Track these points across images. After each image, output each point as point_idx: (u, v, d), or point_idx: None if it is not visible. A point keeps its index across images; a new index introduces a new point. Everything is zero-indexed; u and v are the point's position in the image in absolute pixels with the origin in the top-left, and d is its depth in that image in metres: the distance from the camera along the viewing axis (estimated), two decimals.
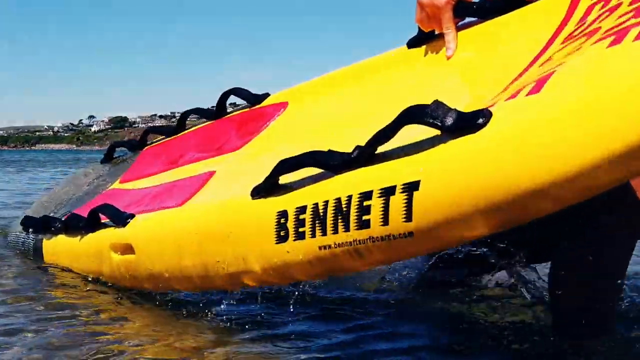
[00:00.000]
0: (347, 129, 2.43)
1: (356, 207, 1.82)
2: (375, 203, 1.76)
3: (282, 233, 2.06)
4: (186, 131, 3.80)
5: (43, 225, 3.67)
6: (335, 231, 1.88)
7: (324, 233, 1.91)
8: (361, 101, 2.67)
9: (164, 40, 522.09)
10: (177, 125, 3.87)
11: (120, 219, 2.89)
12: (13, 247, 4.23)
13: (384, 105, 2.36)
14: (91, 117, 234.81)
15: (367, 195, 1.80)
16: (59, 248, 3.51)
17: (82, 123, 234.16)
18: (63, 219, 3.49)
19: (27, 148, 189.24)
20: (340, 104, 2.78)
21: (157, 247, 2.66)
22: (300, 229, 1.99)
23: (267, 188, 2.20)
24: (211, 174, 2.86)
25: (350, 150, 1.95)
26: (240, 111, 3.52)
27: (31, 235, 3.87)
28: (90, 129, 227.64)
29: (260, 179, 2.27)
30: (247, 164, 2.78)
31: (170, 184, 3.12)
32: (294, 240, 2.02)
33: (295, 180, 2.16)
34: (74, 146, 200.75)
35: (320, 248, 1.94)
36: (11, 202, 8.38)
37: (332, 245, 1.90)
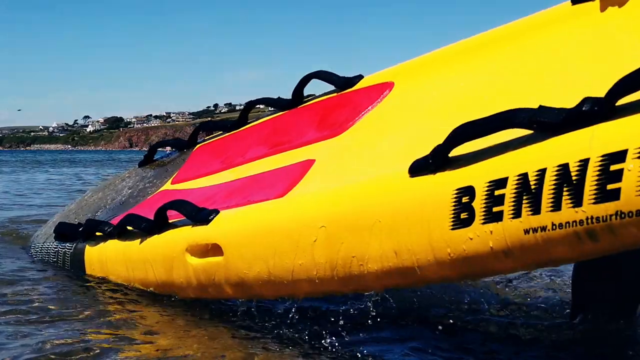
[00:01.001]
0: (484, 106, 1.99)
1: (596, 173, 1.42)
2: (629, 166, 1.37)
3: (463, 215, 1.67)
4: (249, 125, 3.51)
5: (87, 231, 3.33)
6: (557, 207, 1.48)
7: (536, 211, 1.52)
8: (501, 75, 2.27)
9: (160, 40, 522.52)
10: (238, 119, 3.58)
11: (201, 216, 2.56)
12: (40, 259, 3.89)
13: (534, 77, 2.07)
14: (86, 117, 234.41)
15: (615, 157, 1.40)
16: (108, 255, 3.16)
17: (77, 123, 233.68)
18: (110, 222, 3.21)
19: (22, 148, 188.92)
20: (471, 80, 2.38)
21: (256, 246, 2.31)
22: (496, 208, 1.60)
23: (437, 162, 1.81)
24: (309, 162, 2.58)
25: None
26: (320, 98, 3.20)
27: (67, 244, 3.53)
28: (86, 130, 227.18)
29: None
30: (358, 149, 2.47)
31: (250, 179, 2.85)
32: (483, 223, 1.64)
33: (469, 152, 1.78)
34: (69, 146, 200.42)
35: (526, 232, 1.55)
36: (8, 204, 8.36)
37: (549, 227, 1.51)
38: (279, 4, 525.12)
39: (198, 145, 3.71)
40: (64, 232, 3.58)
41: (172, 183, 3.42)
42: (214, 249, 2.47)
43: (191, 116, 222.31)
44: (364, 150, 2.43)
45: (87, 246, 3.32)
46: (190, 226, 2.60)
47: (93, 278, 3.31)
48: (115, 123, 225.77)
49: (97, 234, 3.28)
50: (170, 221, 2.76)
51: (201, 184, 3.17)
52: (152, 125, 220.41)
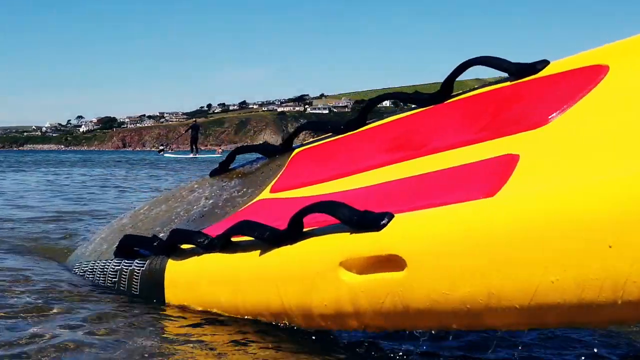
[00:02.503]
0: None
1: None
2: None
3: None
4: (369, 126, 3.06)
5: (171, 244, 2.76)
6: None
7: None
8: None
9: (152, 40, 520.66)
10: (356, 119, 3.11)
11: (368, 220, 2.04)
12: (90, 280, 3.36)
13: None
14: (79, 117, 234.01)
15: None
16: (205, 274, 2.59)
17: (70, 123, 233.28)
18: (202, 232, 2.69)
19: (15, 148, 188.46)
20: None
21: (467, 256, 1.83)
22: None
23: None
24: (512, 158, 2.16)
25: None
26: (478, 91, 2.75)
27: (135, 262, 2.97)
28: (79, 130, 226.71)
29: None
30: (580, 143, 2.07)
31: (413, 180, 2.39)
32: None
33: None
34: (62, 146, 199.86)
35: None
36: (6, 205, 8.32)
37: None
38: (273, 3, 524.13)
39: (297, 150, 3.27)
40: (132, 246, 3.02)
41: (271, 192, 2.98)
42: (389, 262, 1.97)
43: (185, 116, 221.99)
44: (588, 144, 2.02)
45: (169, 263, 2.74)
46: (347, 233, 2.08)
47: (173, 306, 2.73)
48: (108, 123, 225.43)
49: (184, 247, 2.74)
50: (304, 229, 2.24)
51: (311, 192, 2.73)
52: (146, 125, 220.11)
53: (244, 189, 3.20)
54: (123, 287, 3.02)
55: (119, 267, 3.06)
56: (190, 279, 2.68)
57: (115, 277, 3.10)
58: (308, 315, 2.24)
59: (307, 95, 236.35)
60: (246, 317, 2.48)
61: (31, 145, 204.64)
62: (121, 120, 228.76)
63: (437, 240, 1.90)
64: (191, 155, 39.39)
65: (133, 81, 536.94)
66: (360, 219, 2.06)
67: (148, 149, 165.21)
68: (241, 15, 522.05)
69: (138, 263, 2.95)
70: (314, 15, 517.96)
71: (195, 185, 3.68)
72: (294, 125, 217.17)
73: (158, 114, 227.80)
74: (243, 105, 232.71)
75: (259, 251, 2.36)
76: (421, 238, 1.93)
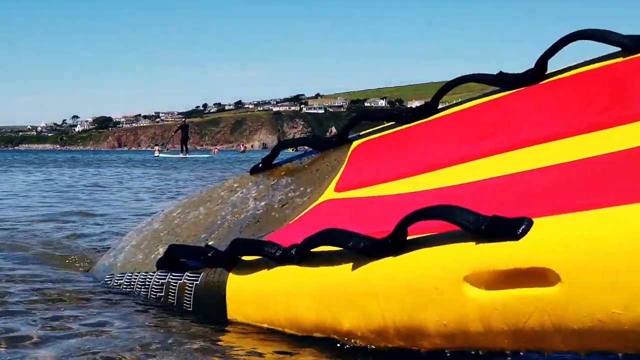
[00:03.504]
0: None
1: None
2: None
3: None
4: (444, 113, 2.74)
5: (233, 255, 2.44)
6: None
7: None
8: None
9: (148, 40, 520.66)
10: (426, 106, 2.80)
11: (501, 227, 1.74)
12: (129, 293, 3.03)
13: None
14: (75, 117, 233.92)
15: None
16: (283, 288, 2.25)
17: (65, 123, 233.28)
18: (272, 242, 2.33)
19: (11, 148, 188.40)
20: None
21: None
22: None
23: None
24: None
25: None
26: (586, 68, 2.43)
27: (187, 274, 2.65)
28: (74, 129, 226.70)
29: None
30: None
31: (543, 172, 2.07)
32: None
33: None
34: (58, 146, 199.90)
35: None
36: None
37: None
38: (269, 3, 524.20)
39: (357, 143, 2.91)
40: (179, 257, 2.72)
41: (336, 190, 2.65)
42: (531, 276, 1.69)
43: (180, 116, 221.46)
44: None
45: (231, 276, 2.43)
46: (472, 242, 1.79)
47: (235, 322, 2.46)
48: (104, 123, 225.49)
49: (246, 258, 2.43)
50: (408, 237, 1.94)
51: (387, 190, 2.46)
52: (141, 125, 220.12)
53: (301, 188, 2.84)
54: (171, 302, 2.71)
55: (165, 281, 2.75)
56: (260, 294, 2.33)
57: (160, 291, 2.79)
58: (419, 334, 1.93)
59: (303, 95, 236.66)
60: (333, 336, 2.16)
61: (26, 145, 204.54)
62: (117, 120, 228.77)
63: (603, 251, 1.59)
64: (181, 155, 39.41)
65: (129, 81, 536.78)
66: (491, 226, 1.74)
67: (144, 148, 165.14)
68: (237, 15, 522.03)
69: (190, 276, 2.62)
70: (310, 15, 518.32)
71: (235, 185, 3.28)
72: (289, 125, 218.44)
73: (154, 114, 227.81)
74: (239, 105, 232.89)
75: (351, 263, 2.03)
76: (579, 248, 1.62)
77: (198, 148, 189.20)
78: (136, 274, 3.03)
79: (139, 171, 20.41)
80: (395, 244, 1.93)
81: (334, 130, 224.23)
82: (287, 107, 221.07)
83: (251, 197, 3.03)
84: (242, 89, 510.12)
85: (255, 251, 2.34)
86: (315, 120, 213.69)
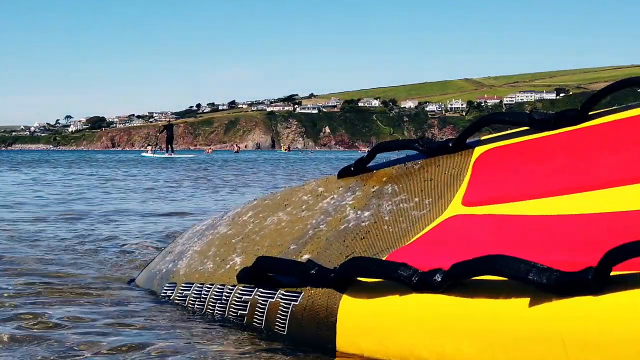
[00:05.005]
0: None
1: None
2: None
3: None
4: (603, 119, 2.31)
5: (346, 275, 2.06)
6: None
7: None
8: None
9: (142, 40, 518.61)
10: (579, 110, 2.36)
11: None
12: (196, 309, 2.65)
13: None
14: (68, 117, 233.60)
15: None
16: (423, 321, 1.87)
17: (59, 123, 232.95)
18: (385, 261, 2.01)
19: (4, 148, 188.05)
20: None
21: None
22: None
23: None
24: None
25: None
26: None
27: (281, 293, 2.27)
28: (68, 129, 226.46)
29: None
30: None
31: None
32: None
33: None
34: (51, 146, 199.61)
35: None
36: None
37: None
38: (263, 2, 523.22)
39: (482, 150, 2.53)
40: (274, 272, 2.34)
41: (465, 204, 2.28)
42: None
43: (174, 116, 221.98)
44: None
45: (344, 300, 2.07)
46: None
47: (344, 355, 2.05)
48: (97, 123, 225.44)
49: (364, 280, 2.05)
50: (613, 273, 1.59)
51: (539, 208, 2.07)
52: (135, 125, 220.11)
53: (415, 199, 2.45)
54: (258, 323, 2.34)
55: (251, 297, 2.39)
56: (386, 325, 1.95)
57: (243, 309, 2.41)
58: None
59: (297, 95, 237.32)
60: None
61: (20, 145, 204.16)
62: (110, 120, 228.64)
63: None
64: (166, 155, 40.35)
65: (122, 81, 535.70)
66: None
67: (137, 148, 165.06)
68: (230, 15, 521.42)
69: (286, 295, 2.25)
70: (304, 16, 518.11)
71: (320, 189, 2.89)
72: (283, 125, 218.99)
73: (147, 114, 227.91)
74: (232, 105, 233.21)
75: (527, 299, 1.68)
76: None
77: (192, 148, 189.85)
78: (208, 285, 2.64)
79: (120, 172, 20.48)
80: (598, 280, 1.58)
81: (327, 130, 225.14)
82: (281, 107, 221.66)
83: (348, 205, 2.65)
84: (235, 89, 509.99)
85: (382, 274, 1.96)
86: (309, 120, 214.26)
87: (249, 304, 2.39)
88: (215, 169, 22.70)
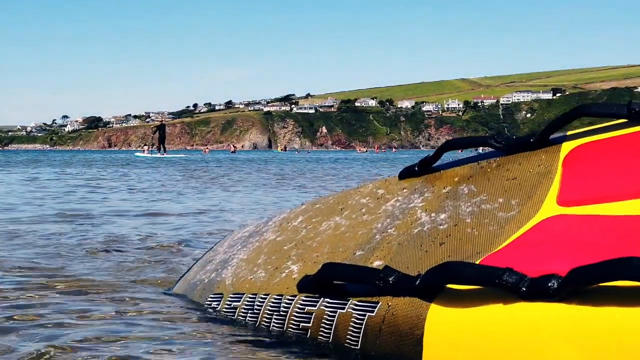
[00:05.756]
0: None
1: None
2: None
3: None
4: None
5: (435, 283, 1.86)
6: None
7: None
8: None
9: (138, 40, 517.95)
10: None
11: None
12: (248, 320, 2.46)
13: None
14: (65, 117, 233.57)
15: None
16: (540, 333, 1.63)
17: (55, 123, 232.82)
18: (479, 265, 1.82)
19: (0, 148, 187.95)
20: None
21: None
22: None
23: None
24: None
25: None
26: None
27: (353, 303, 2.07)
28: (64, 129, 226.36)
29: None
30: None
31: None
32: None
33: None
34: (47, 146, 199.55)
35: None
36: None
37: None
38: (259, 1, 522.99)
39: (573, 145, 2.34)
40: (343, 280, 2.13)
41: (560, 204, 2.10)
42: None
43: (170, 116, 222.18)
44: None
45: (433, 310, 1.88)
46: None
47: None
48: (94, 123, 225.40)
49: (453, 287, 1.86)
50: None
51: None
52: (132, 125, 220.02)
53: (499, 200, 2.27)
54: (324, 337, 2.14)
55: (315, 308, 2.19)
56: (488, 338, 1.73)
57: (306, 322, 2.21)
58: None
59: (293, 95, 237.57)
60: None
61: (16, 145, 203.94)
62: (107, 120, 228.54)
63: None
64: (158, 155, 40.91)
65: (119, 81, 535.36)
66: None
67: (134, 148, 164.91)
68: (227, 15, 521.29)
69: (359, 306, 2.05)
70: (300, 16, 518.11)
71: (380, 191, 2.70)
72: (280, 125, 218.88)
73: (144, 114, 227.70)
74: (229, 105, 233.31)
75: None
76: None
77: (188, 148, 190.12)
78: (262, 296, 2.46)
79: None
80: None
81: (324, 129, 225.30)
82: (278, 107, 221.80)
83: (418, 208, 2.45)
84: (232, 89, 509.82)
85: (483, 280, 1.73)
86: (305, 120, 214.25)
87: (313, 316, 2.18)
88: (205, 169, 22.68)
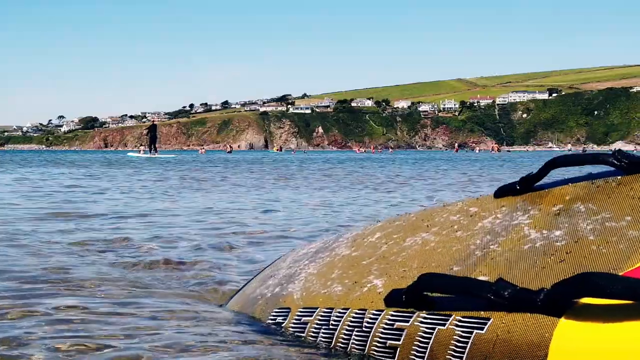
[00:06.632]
0: None
1: None
2: None
3: None
4: None
5: (564, 297, 1.66)
6: None
7: None
8: None
9: (135, 40, 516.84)
10: None
11: None
12: (322, 337, 2.27)
13: None
14: (61, 117, 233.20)
15: None
16: None
17: (51, 123, 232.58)
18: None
19: None
20: None
21: None
22: None
23: None
24: None
25: None
26: None
27: (457, 319, 1.87)
28: (60, 129, 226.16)
29: None
30: None
31: None
32: None
33: None
34: (43, 146, 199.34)
35: None
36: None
37: None
38: (256, 1, 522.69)
39: None
40: (444, 292, 1.94)
41: None
42: None
43: (167, 116, 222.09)
44: None
45: (561, 326, 1.66)
46: None
47: None
48: (90, 123, 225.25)
49: (586, 301, 1.66)
50: None
51: None
52: (128, 125, 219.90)
53: (627, 218, 2.08)
54: (418, 356, 1.93)
55: (408, 324, 1.99)
56: None
57: (396, 339, 2.01)
58: None
59: (290, 95, 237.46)
60: None
61: (12, 145, 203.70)
62: (103, 120, 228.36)
63: None
64: (149, 155, 41.96)
65: (115, 81, 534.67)
66: None
67: (130, 148, 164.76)
68: (223, 15, 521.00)
69: (465, 322, 1.85)
70: (297, 16, 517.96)
71: (473, 209, 2.57)
72: (276, 125, 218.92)
73: (140, 114, 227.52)
74: (225, 105, 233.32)
75: None
76: None
77: (184, 148, 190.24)
78: (340, 310, 2.28)
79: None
80: None
81: (320, 130, 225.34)
82: (274, 107, 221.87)
83: (524, 225, 2.27)
84: (228, 89, 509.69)
85: (630, 294, 1.52)
86: (302, 121, 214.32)
87: (404, 333, 1.97)
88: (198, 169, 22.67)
